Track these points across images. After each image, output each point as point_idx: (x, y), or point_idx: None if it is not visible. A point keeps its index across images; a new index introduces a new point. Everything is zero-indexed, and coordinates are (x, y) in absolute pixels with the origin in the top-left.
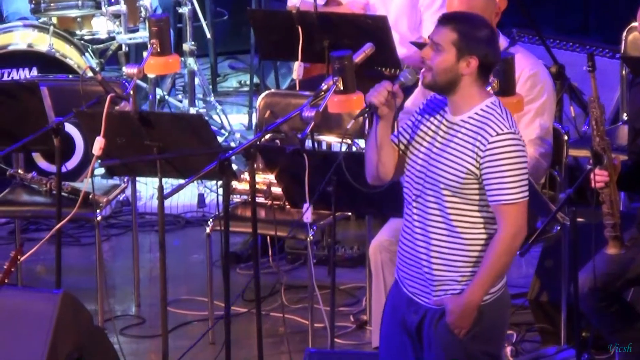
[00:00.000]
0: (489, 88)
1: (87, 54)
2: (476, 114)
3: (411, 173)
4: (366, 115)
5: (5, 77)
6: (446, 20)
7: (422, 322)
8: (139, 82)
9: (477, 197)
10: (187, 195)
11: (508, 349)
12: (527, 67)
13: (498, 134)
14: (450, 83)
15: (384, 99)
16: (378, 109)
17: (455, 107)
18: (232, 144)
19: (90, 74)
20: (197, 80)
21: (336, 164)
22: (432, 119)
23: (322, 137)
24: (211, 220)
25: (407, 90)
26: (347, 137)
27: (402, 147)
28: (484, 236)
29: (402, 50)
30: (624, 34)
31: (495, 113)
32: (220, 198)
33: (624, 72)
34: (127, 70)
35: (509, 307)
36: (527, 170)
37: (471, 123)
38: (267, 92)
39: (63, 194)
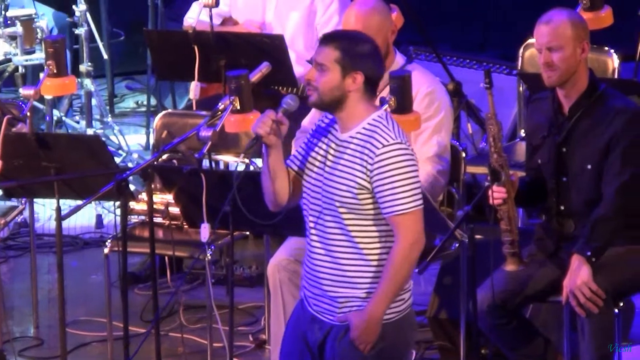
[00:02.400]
0: (385, 106)
1: None
2: (364, 128)
3: (308, 195)
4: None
5: None
6: (327, 39)
7: (325, 339)
8: (35, 103)
9: (372, 212)
10: (85, 216)
11: None
12: (424, 84)
13: (384, 145)
14: (337, 101)
15: (269, 128)
16: (264, 138)
17: (344, 125)
18: (130, 165)
19: None
20: (94, 101)
21: (236, 185)
22: (323, 139)
23: (219, 157)
24: (109, 240)
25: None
26: (244, 156)
27: (296, 171)
28: (384, 250)
29: (299, 69)
30: (521, 50)
31: (381, 125)
32: (118, 219)
33: (521, 88)
34: (23, 91)
35: (415, 328)
36: (418, 179)
37: (359, 138)
38: (164, 112)
39: None
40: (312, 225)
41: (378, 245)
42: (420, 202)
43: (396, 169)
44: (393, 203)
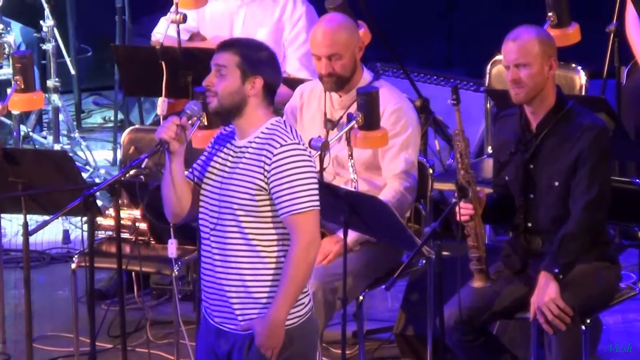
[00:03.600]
0: (353, 122)
1: None
2: (262, 132)
3: (206, 203)
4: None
5: None
6: (226, 45)
7: (232, 350)
8: (3, 118)
9: (270, 214)
10: (52, 232)
11: None
12: (391, 101)
13: (282, 145)
14: (236, 106)
15: (173, 133)
16: (169, 144)
17: (242, 131)
18: (97, 180)
19: None
20: (61, 117)
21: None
22: (222, 148)
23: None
24: (76, 256)
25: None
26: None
27: (195, 182)
28: (282, 253)
29: None
30: (488, 67)
31: (279, 128)
32: (85, 234)
33: (488, 105)
34: None
35: (317, 332)
36: (315, 180)
37: (257, 142)
38: (131, 127)
39: None
40: (208, 233)
41: (276, 248)
42: (317, 203)
43: (293, 169)
44: (289, 203)
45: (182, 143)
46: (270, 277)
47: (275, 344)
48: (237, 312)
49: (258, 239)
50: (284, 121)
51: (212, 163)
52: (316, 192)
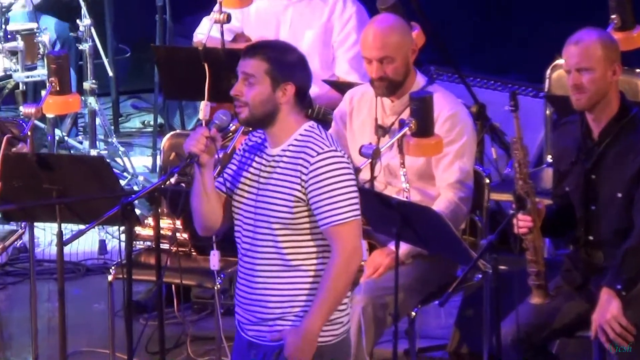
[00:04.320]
0: (405, 129)
1: None
2: (295, 140)
3: (240, 216)
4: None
5: None
6: (253, 51)
7: None
8: (37, 122)
9: (308, 226)
10: (87, 242)
11: None
12: (446, 107)
13: (319, 154)
14: (268, 115)
15: (202, 146)
16: (198, 157)
17: (275, 140)
18: (135, 188)
19: None
20: (98, 121)
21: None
22: (253, 157)
23: None
24: (113, 267)
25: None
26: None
27: (228, 192)
28: (321, 266)
29: (315, 89)
30: (548, 71)
31: (314, 134)
32: (123, 244)
33: (548, 111)
34: (24, 109)
35: (349, 356)
36: (355, 188)
37: (291, 150)
38: (172, 132)
39: None
40: (246, 247)
41: (315, 261)
42: (358, 212)
43: (332, 177)
44: (330, 213)
45: (212, 155)
46: (307, 291)
47: (305, 357)
48: (272, 325)
49: (296, 253)
50: (318, 126)
51: (244, 173)
52: (357, 200)
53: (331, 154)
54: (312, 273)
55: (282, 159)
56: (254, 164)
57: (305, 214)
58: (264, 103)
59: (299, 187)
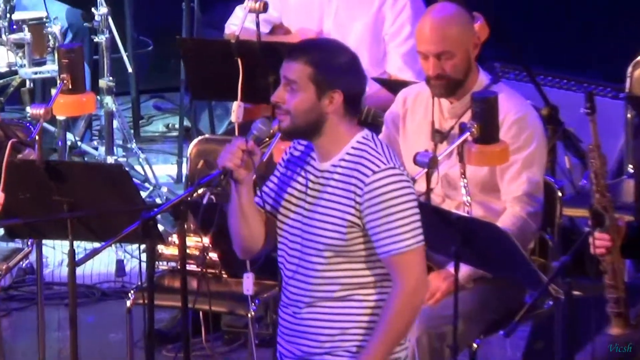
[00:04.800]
0: (467, 134)
1: None
2: (347, 154)
3: (285, 239)
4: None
5: None
6: (297, 52)
7: None
8: (46, 125)
9: (364, 253)
10: (103, 262)
11: None
12: (512, 109)
13: (375, 172)
14: (313, 126)
15: (239, 160)
16: (234, 172)
17: (323, 152)
18: (158, 200)
19: None
20: (116, 124)
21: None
22: (299, 170)
23: None
24: (132, 292)
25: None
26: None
27: (269, 209)
28: (380, 297)
29: None
30: (629, 69)
31: (368, 148)
32: (144, 265)
33: (629, 115)
34: (32, 110)
35: None
36: (417, 210)
37: (343, 166)
38: (200, 137)
39: None
40: (290, 274)
41: (371, 291)
42: (422, 238)
43: (390, 200)
44: (390, 241)
45: (249, 170)
46: (361, 324)
47: None
48: None
49: (350, 283)
50: (373, 136)
51: (289, 189)
52: (419, 224)
53: (389, 172)
54: (367, 304)
55: (332, 176)
56: (300, 179)
57: (361, 240)
58: (307, 112)
59: (352, 211)
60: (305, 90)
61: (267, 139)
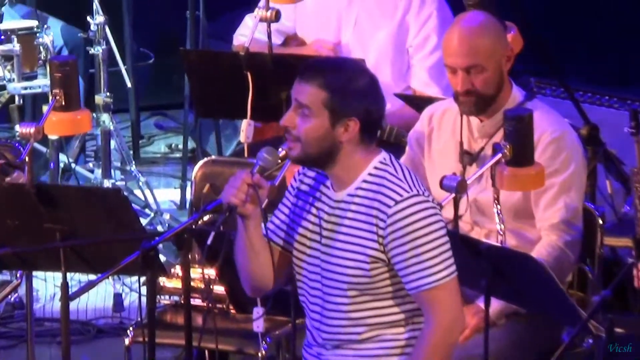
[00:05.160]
0: (499, 155)
1: None
2: (364, 182)
3: (304, 277)
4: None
5: None
6: (310, 73)
7: None
8: (36, 145)
9: (391, 289)
10: (99, 296)
11: None
12: (548, 128)
13: (397, 202)
14: (326, 155)
15: (244, 195)
16: (239, 208)
17: (338, 182)
18: (160, 228)
19: None
20: (113, 144)
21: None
22: (312, 200)
23: None
24: (131, 328)
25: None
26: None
27: (281, 244)
28: (412, 334)
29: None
30: None
31: (387, 174)
32: (144, 299)
33: None
34: (21, 129)
35: None
36: (447, 239)
37: (361, 195)
38: (205, 159)
39: None
40: (314, 315)
41: (401, 330)
42: (454, 269)
43: (417, 231)
44: (419, 275)
45: (256, 205)
46: None
47: None
48: None
49: (379, 323)
50: (392, 159)
51: (303, 222)
52: (450, 254)
53: (413, 199)
54: (398, 344)
55: (349, 207)
56: (313, 210)
57: (386, 275)
58: (319, 140)
59: (375, 245)
60: (318, 117)
61: (280, 161)
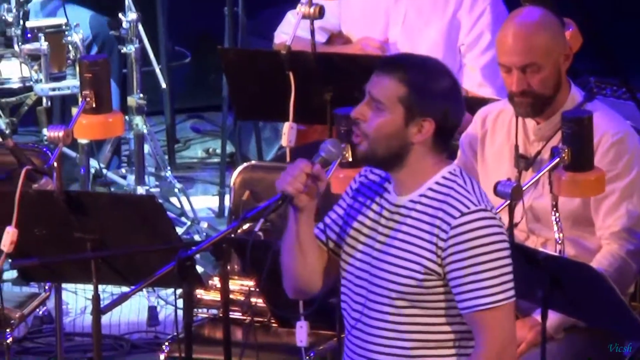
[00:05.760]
0: (556, 160)
1: None
2: (430, 190)
3: (348, 282)
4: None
5: None
6: (392, 67)
7: None
8: (66, 149)
9: (443, 305)
10: (133, 309)
11: None
12: (609, 130)
13: (463, 214)
14: (394, 155)
15: (301, 185)
16: (294, 198)
17: (401, 185)
18: (197, 238)
19: None
20: (147, 148)
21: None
22: (369, 203)
23: None
24: (167, 343)
25: None
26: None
27: (331, 245)
28: (461, 358)
29: None
30: None
31: (455, 185)
32: (180, 313)
33: None
34: (49, 133)
35: None
36: (510, 260)
37: (424, 203)
38: (245, 164)
39: None
40: (353, 322)
41: (451, 352)
42: (512, 293)
43: (480, 247)
44: (475, 295)
45: (312, 197)
46: None
47: None
48: None
49: (426, 340)
50: (462, 172)
51: (357, 224)
52: (511, 277)
53: (480, 214)
54: None
55: (410, 213)
56: (371, 213)
57: (440, 290)
58: (389, 138)
59: (433, 257)
60: (392, 112)
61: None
